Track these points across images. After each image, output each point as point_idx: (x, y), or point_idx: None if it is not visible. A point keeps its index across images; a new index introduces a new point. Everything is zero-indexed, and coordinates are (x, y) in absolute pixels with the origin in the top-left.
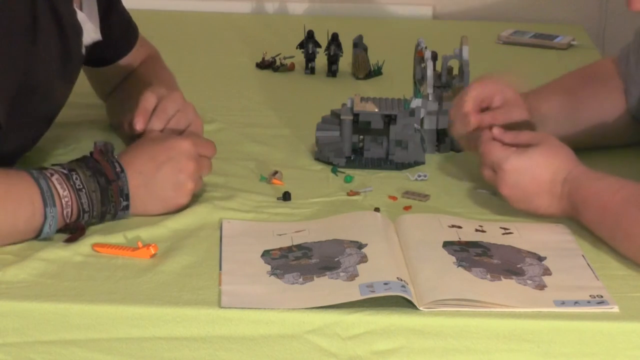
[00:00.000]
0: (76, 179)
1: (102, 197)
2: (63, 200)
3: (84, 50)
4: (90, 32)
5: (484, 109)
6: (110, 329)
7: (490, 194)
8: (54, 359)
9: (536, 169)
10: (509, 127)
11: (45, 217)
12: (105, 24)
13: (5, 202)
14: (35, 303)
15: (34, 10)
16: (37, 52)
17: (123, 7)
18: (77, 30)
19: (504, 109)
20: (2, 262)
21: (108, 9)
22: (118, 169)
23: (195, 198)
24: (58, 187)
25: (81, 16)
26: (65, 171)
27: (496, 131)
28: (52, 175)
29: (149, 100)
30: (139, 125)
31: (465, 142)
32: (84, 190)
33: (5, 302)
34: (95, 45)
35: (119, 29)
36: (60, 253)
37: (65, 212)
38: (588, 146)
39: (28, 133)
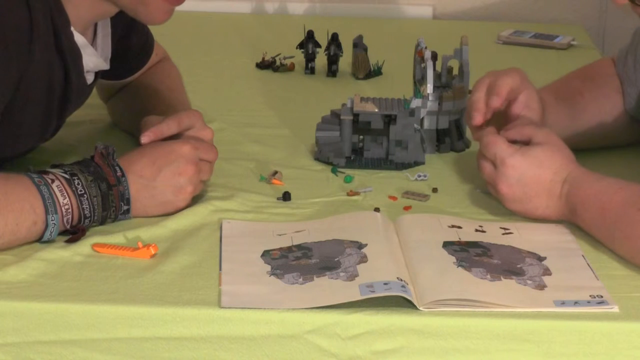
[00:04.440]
0: (78, 184)
1: (103, 202)
2: (63, 208)
3: (90, 78)
4: (93, 58)
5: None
6: (110, 329)
7: (483, 192)
8: (54, 359)
9: (538, 168)
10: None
11: (47, 225)
12: (125, 43)
13: (6, 210)
14: (35, 303)
15: (31, 18)
16: (33, 63)
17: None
18: (75, 52)
19: (525, 119)
20: (2, 262)
21: (129, 29)
22: (119, 173)
23: (195, 198)
24: (58, 194)
25: (80, 40)
26: (67, 176)
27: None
28: (52, 181)
29: (169, 126)
30: (144, 140)
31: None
32: (85, 195)
33: (5, 302)
34: (112, 62)
35: (138, 47)
36: (60, 253)
37: (65, 219)
38: (588, 147)
39: (18, 145)
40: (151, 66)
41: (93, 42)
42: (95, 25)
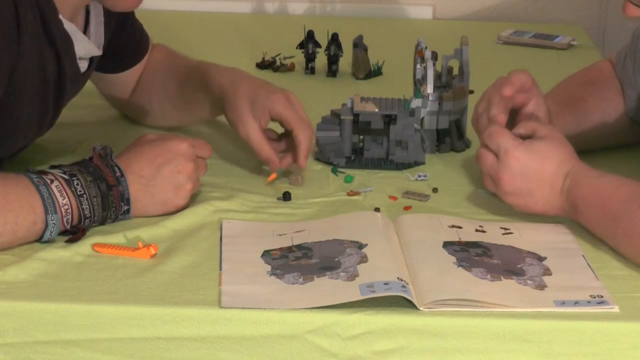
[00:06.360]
0: (77, 184)
1: (103, 203)
2: (63, 208)
3: (84, 66)
4: (84, 44)
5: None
6: (110, 329)
7: (484, 192)
8: (54, 359)
9: (542, 161)
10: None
11: (47, 225)
12: (122, 34)
13: (5, 209)
14: (35, 303)
15: (17, 10)
16: (24, 55)
17: (135, 17)
18: (66, 40)
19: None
20: (2, 262)
21: (124, 20)
22: (118, 174)
23: (195, 198)
24: (57, 195)
25: (70, 27)
26: (66, 176)
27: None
28: (52, 182)
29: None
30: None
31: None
32: (85, 195)
33: (5, 302)
34: (113, 53)
35: (136, 35)
36: (60, 253)
37: (65, 219)
38: (590, 148)
39: (16, 139)
40: (153, 53)
41: (86, 29)
42: (88, 13)
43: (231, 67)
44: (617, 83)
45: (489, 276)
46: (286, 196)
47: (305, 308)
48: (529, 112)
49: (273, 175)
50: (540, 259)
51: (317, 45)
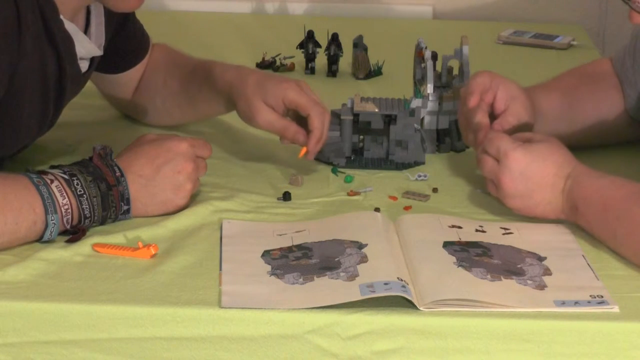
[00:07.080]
0: (77, 184)
1: (103, 203)
2: (63, 208)
3: (84, 66)
4: (85, 44)
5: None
6: (110, 329)
7: (483, 192)
8: (54, 359)
9: (543, 161)
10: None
11: (47, 225)
12: (123, 34)
13: (5, 209)
14: (35, 303)
15: (18, 10)
16: (25, 55)
17: (135, 17)
18: (67, 40)
19: (512, 109)
20: (2, 262)
21: (124, 20)
22: (118, 174)
23: (195, 198)
24: (57, 195)
25: (70, 27)
26: (66, 176)
27: (498, 127)
28: (52, 182)
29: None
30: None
31: (471, 136)
32: (85, 195)
33: (5, 302)
34: (114, 53)
35: (137, 35)
36: (60, 253)
37: (65, 219)
38: (586, 144)
39: (17, 139)
40: (154, 53)
41: (87, 30)
42: (89, 13)
43: (234, 64)
44: (615, 79)
45: (489, 276)
46: (286, 196)
47: (305, 308)
48: (502, 99)
49: (304, 149)
50: (540, 259)
51: (317, 45)
